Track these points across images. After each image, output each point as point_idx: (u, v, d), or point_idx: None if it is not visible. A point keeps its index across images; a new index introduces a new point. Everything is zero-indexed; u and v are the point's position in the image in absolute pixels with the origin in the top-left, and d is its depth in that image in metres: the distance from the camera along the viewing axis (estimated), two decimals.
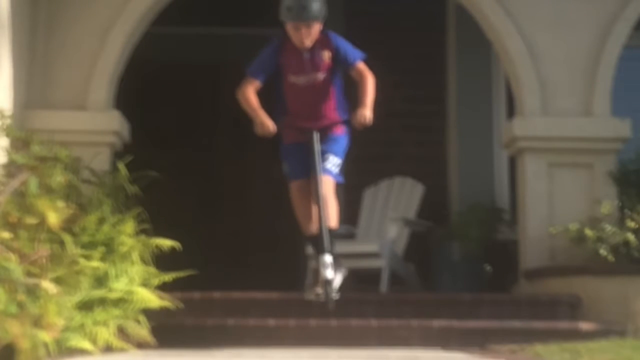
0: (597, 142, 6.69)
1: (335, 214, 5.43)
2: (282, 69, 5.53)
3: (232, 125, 8.29)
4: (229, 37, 8.96)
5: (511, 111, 7.56)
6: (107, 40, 6.69)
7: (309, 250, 5.93)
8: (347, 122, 5.54)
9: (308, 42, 5.44)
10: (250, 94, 5.45)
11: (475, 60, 8.50)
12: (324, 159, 5.45)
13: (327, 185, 5.42)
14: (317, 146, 5.41)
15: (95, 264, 5.00)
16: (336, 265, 5.29)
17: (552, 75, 6.79)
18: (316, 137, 5.41)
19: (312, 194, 5.40)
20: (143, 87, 8.19)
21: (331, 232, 5.34)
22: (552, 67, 6.79)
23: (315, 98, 5.52)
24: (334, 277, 5.24)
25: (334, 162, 5.49)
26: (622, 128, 6.67)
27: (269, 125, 5.39)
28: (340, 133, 5.58)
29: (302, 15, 5.37)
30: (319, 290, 5.20)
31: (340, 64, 5.51)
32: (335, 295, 5.20)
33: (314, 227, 5.38)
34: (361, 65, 5.49)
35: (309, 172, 5.43)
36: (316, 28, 5.44)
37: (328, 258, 5.22)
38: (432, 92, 8.74)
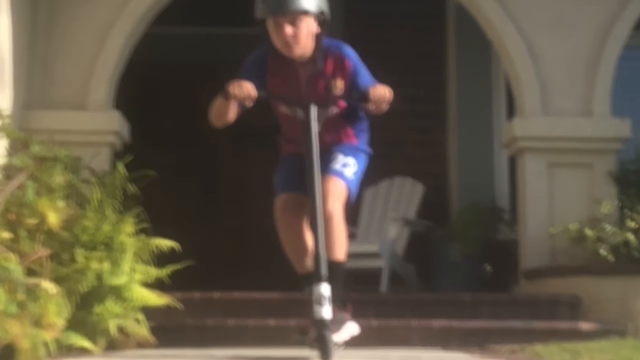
0: (597, 142, 6.69)
1: (342, 240, 4.02)
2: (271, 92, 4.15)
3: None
4: (229, 37, 8.95)
5: (511, 111, 7.56)
6: (107, 40, 6.69)
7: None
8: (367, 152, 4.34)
9: (297, 48, 3.92)
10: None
11: (475, 60, 8.50)
12: (330, 159, 4.11)
13: (334, 190, 4.01)
14: (314, 125, 3.98)
15: (95, 263, 4.99)
16: (341, 313, 4.08)
17: (552, 75, 6.78)
18: (313, 112, 3.99)
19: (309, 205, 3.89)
20: (143, 87, 8.19)
21: (335, 265, 3.95)
22: (552, 67, 6.79)
23: (322, 133, 4.06)
24: (335, 322, 3.92)
25: (344, 162, 4.12)
26: (622, 128, 6.67)
27: (248, 85, 3.96)
28: (356, 143, 4.26)
29: (282, 5, 3.82)
30: (312, 333, 3.89)
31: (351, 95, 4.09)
32: (334, 347, 3.87)
33: (309, 260, 4.02)
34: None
35: (304, 188, 3.99)
36: (306, 26, 3.93)
37: (324, 290, 3.83)
38: (432, 92, 8.74)
